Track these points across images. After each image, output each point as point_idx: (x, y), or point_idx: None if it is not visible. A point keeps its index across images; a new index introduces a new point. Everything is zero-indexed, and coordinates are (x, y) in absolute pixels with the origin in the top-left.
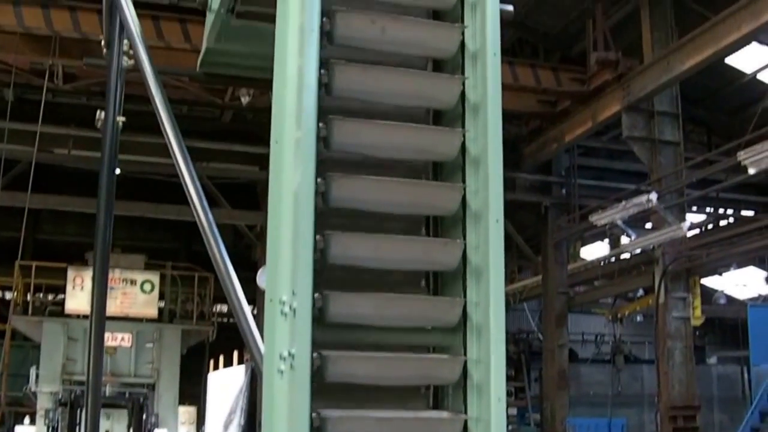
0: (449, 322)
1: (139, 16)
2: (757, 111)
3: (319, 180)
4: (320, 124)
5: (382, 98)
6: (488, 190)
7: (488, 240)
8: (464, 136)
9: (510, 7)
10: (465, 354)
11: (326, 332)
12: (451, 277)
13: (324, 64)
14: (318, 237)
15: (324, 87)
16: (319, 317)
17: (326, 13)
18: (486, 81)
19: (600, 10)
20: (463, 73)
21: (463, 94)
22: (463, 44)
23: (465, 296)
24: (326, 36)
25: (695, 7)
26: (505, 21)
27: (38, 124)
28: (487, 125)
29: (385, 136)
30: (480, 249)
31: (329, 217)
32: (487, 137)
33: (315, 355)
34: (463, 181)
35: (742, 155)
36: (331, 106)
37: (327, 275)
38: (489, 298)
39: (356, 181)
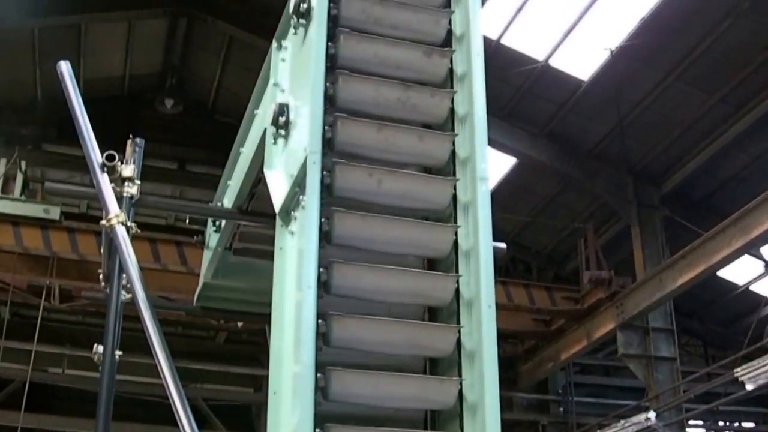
0: None
1: (135, 238)
2: (753, 322)
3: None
4: (318, 375)
5: (379, 348)
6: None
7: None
8: (461, 384)
9: (503, 245)
10: None
11: None
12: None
13: (322, 315)
14: None
15: (322, 337)
16: None
17: (323, 263)
18: (481, 330)
19: (591, 230)
20: (458, 321)
21: (459, 342)
22: (458, 291)
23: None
24: (324, 287)
25: (685, 223)
26: (499, 258)
27: (34, 343)
28: (483, 372)
29: (383, 387)
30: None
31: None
32: (483, 385)
33: None
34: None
35: (739, 372)
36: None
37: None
38: None
39: None
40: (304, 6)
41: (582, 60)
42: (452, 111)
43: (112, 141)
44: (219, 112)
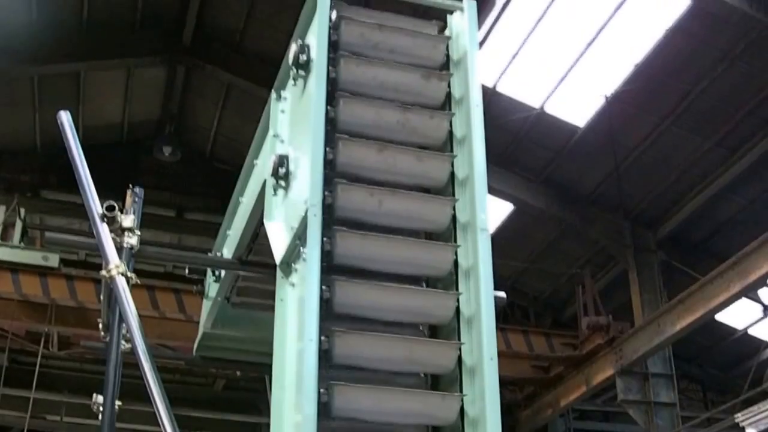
0: None
1: (133, 286)
2: (752, 366)
3: None
4: (321, 390)
5: (381, 365)
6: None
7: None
8: (462, 400)
9: (503, 294)
10: None
11: None
12: None
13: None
14: None
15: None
16: None
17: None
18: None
19: (588, 275)
20: (458, 339)
21: (460, 359)
22: (458, 310)
23: None
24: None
25: (682, 268)
26: (499, 306)
27: (32, 390)
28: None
29: (385, 402)
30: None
31: None
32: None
33: None
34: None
35: (739, 417)
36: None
37: None
38: None
39: None
40: (303, 57)
41: (577, 106)
42: (450, 133)
43: (110, 188)
44: (217, 159)
